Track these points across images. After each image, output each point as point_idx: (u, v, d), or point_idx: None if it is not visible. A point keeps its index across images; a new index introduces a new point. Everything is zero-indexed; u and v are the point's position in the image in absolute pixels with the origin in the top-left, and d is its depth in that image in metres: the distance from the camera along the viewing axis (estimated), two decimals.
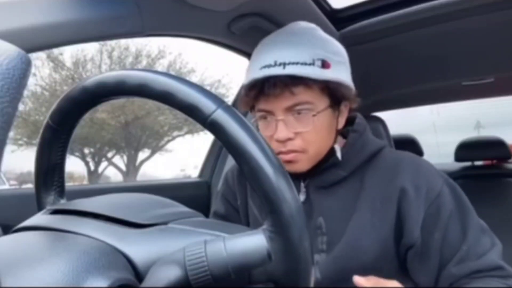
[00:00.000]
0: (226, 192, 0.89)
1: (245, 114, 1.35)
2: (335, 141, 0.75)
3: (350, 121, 0.78)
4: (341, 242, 0.70)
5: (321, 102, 0.70)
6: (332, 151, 0.74)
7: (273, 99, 0.69)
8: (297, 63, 0.67)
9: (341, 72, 0.71)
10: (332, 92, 0.71)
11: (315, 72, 0.67)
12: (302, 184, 0.76)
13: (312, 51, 0.69)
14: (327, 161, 0.74)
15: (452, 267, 0.65)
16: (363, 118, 0.81)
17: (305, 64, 0.67)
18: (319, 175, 0.75)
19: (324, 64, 0.69)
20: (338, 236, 0.71)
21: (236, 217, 0.86)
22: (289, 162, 0.71)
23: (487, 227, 0.70)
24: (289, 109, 0.69)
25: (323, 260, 0.71)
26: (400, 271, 0.71)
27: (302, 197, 0.75)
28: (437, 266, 0.67)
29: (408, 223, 0.67)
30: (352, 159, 0.74)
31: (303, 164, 0.72)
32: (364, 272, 0.67)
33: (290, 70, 0.66)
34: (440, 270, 0.67)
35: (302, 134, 0.69)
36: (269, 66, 0.68)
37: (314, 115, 0.69)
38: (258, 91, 0.69)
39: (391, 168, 0.72)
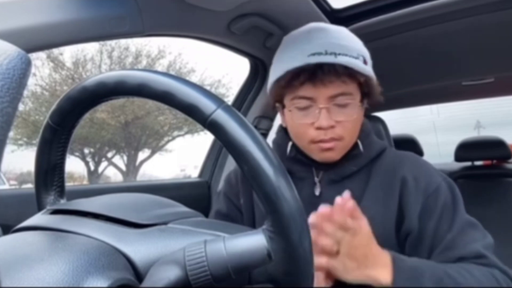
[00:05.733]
0: (229, 191, 0.90)
1: (244, 114, 1.36)
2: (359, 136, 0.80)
3: None
4: None
5: (358, 95, 0.75)
6: (354, 144, 0.78)
7: (321, 86, 0.71)
8: (346, 55, 0.71)
9: (372, 71, 0.76)
10: (367, 88, 0.75)
11: (361, 66, 0.72)
12: (316, 179, 0.79)
13: (356, 47, 0.74)
14: (349, 154, 0.78)
15: (437, 255, 0.68)
16: (367, 120, 0.85)
17: (353, 57, 0.71)
18: (333, 169, 0.78)
19: (365, 61, 0.74)
20: None
21: (239, 216, 0.87)
22: (328, 149, 0.74)
23: (477, 223, 0.72)
24: (332, 98, 0.72)
25: None
26: None
27: (317, 191, 0.78)
28: (426, 256, 0.69)
29: (407, 211, 0.71)
30: (362, 156, 0.78)
31: (338, 153, 0.76)
32: None
33: (342, 60, 0.70)
34: (428, 258, 0.69)
35: (343, 123, 0.73)
36: (319, 53, 0.70)
37: (359, 105, 0.74)
38: (308, 76, 0.71)
39: (394, 163, 0.77)
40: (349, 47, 0.72)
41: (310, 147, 0.76)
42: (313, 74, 0.70)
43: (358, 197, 0.74)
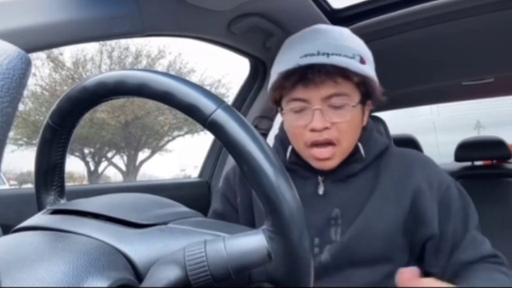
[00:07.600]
0: (226, 190, 0.89)
1: (244, 114, 1.36)
2: (359, 139, 0.77)
3: None
4: (351, 228, 0.72)
5: (356, 96, 0.73)
6: (355, 149, 0.76)
7: (313, 87, 0.70)
8: (339, 55, 0.69)
9: (372, 71, 0.74)
10: (365, 88, 0.73)
11: (356, 66, 0.70)
12: (320, 178, 0.77)
13: (352, 47, 0.72)
14: (351, 158, 0.76)
15: (460, 254, 0.70)
16: (369, 119, 0.83)
17: (347, 56, 0.70)
18: (336, 170, 0.77)
19: (362, 60, 0.72)
20: (351, 225, 0.73)
21: (235, 216, 0.86)
22: (325, 159, 0.72)
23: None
24: (327, 99, 0.70)
25: (333, 248, 0.72)
26: (412, 262, 0.73)
27: (321, 190, 0.77)
28: (447, 257, 0.71)
29: (426, 217, 0.71)
30: (366, 153, 0.77)
31: (335, 160, 0.74)
32: (372, 259, 0.70)
33: (334, 60, 0.68)
34: (448, 259, 0.71)
35: (338, 125, 0.71)
36: (311, 54, 0.70)
37: (353, 106, 0.71)
38: (299, 78, 0.70)
39: (404, 165, 0.76)
40: (344, 46, 0.71)
41: (305, 153, 0.74)
42: (304, 75, 0.69)
43: (366, 196, 0.74)
